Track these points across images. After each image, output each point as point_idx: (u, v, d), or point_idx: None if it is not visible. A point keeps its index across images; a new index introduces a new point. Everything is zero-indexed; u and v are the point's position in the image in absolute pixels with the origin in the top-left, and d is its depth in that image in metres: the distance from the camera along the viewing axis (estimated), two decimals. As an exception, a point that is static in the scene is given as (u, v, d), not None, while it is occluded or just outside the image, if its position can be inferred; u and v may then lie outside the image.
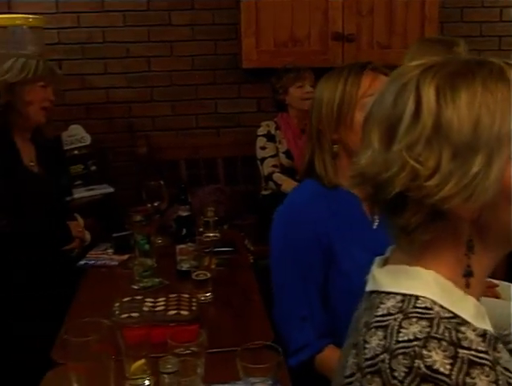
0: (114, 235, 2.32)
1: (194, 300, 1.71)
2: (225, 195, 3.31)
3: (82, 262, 2.28)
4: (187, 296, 1.74)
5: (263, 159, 3.28)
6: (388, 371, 0.71)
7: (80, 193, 3.17)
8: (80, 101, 3.67)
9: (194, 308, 1.68)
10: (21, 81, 2.46)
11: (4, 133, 2.45)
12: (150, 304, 1.68)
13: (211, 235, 2.36)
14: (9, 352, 1.94)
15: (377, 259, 0.88)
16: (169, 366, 1.15)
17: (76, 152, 3.34)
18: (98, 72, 3.70)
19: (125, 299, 1.73)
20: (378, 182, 0.77)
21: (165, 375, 1.15)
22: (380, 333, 0.74)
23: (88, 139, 3.41)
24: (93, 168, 3.38)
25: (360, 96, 1.50)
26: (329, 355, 1.48)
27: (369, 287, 0.84)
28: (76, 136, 3.37)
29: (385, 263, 0.86)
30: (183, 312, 1.65)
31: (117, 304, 1.70)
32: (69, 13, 3.64)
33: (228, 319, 1.75)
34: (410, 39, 3.56)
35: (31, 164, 2.55)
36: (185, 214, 2.00)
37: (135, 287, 1.97)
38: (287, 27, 3.56)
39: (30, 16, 3.21)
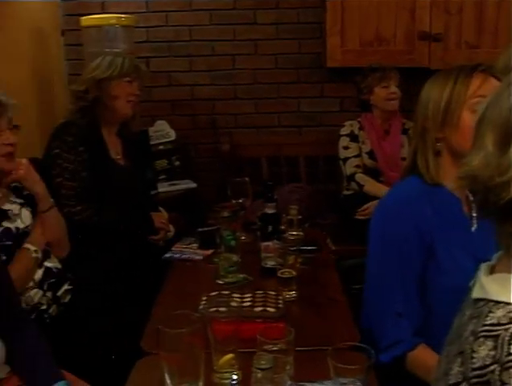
0: (199, 230, 2.37)
1: (280, 297, 1.73)
2: (306, 193, 3.32)
3: (168, 255, 2.33)
4: (273, 293, 1.75)
5: (346, 159, 3.25)
6: (498, 383, 0.69)
7: (164, 187, 3.25)
8: (166, 98, 3.77)
9: (280, 305, 1.69)
10: (108, 77, 2.56)
11: (92, 127, 2.56)
12: (238, 299, 1.71)
13: (294, 233, 2.37)
14: (99, 342, 2.01)
15: (484, 265, 0.86)
16: (263, 362, 1.17)
17: (161, 147, 3.43)
18: (184, 70, 3.79)
19: (213, 293, 1.76)
20: (491, 186, 0.75)
21: (258, 371, 1.16)
22: (489, 343, 0.72)
23: (172, 135, 3.49)
24: (177, 163, 3.46)
25: (468, 96, 1.50)
26: (421, 354, 1.49)
27: (475, 294, 0.83)
28: (162, 131, 3.46)
29: (492, 270, 0.84)
30: (269, 309, 1.66)
31: (205, 298, 1.74)
32: (158, 12, 3.74)
33: (312, 318, 1.75)
34: (500, 39, 3.45)
35: (118, 157, 2.64)
36: (271, 211, 2.02)
37: (220, 282, 2.00)
38: (373, 26, 3.52)
39: (123, 16, 3.32)
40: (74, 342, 1.98)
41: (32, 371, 1.62)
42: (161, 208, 2.79)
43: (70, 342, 1.98)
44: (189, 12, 3.74)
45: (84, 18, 3.33)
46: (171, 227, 2.73)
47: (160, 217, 2.67)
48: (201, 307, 1.68)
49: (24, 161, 2.04)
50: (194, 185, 3.35)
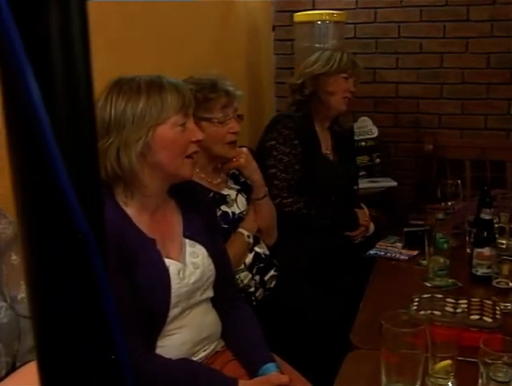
0: (405, 229, 2.33)
1: (498, 308, 1.65)
2: (512, 200, 3.11)
3: (372, 252, 2.33)
4: (490, 302, 1.67)
5: None
6: None
7: (364, 184, 3.24)
8: (370, 94, 3.75)
9: (498, 316, 1.61)
10: (325, 72, 2.60)
11: (307, 121, 2.62)
12: (451, 304, 1.66)
13: (504, 241, 2.25)
14: (310, 335, 2.05)
15: None
16: (499, 374, 1.12)
17: (363, 143, 3.42)
18: (389, 67, 3.74)
19: (425, 295, 1.72)
20: None
21: (496, 383, 1.11)
22: None
23: (375, 132, 3.46)
24: (377, 161, 3.43)
25: None
26: None
27: None
28: (365, 128, 3.45)
29: None
30: (486, 318, 1.59)
31: (417, 299, 1.70)
32: (367, 8, 3.73)
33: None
34: None
35: (327, 152, 2.69)
36: (488, 217, 1.92)
37: (428, 284, 1.95)
38: None
39: (335, 12, 3.36)
40: (277, 327, 2.06)
41: (245, 348, 1.71)
42: (362, 205, 2.79)
43: (273, 326, 2.05)
44: (399, 9, 3.68)
45: (297, 14, 3.43)
46: (371, 225, 2.72)
47: (364, 214, 2.67)
48: (414, 308, 1.65)
49: (245, 149, 2.14)
50: (394, 184, 3.30)
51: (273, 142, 2.52)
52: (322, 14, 3.34)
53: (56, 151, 0.28)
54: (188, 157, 1.55)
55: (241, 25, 3.28)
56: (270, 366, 1.64)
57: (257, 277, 2.14)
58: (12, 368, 1.08)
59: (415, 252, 2.23)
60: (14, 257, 1.16)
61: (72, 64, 0.30)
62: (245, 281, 2.10)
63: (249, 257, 2.13)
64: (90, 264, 0.30)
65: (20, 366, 1.08)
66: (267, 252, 2.22)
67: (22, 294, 1.13)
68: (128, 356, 0.33)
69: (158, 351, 1.54)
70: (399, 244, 2.33)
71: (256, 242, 2.18)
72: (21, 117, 0.29)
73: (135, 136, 1.44)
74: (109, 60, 1.71)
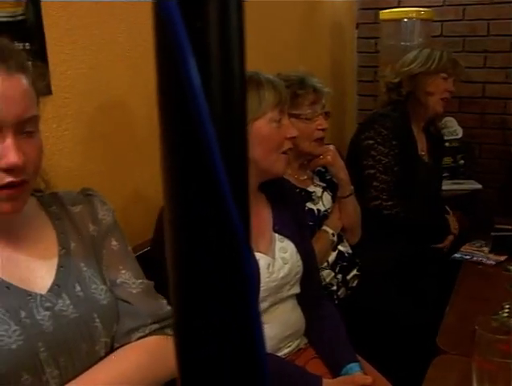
0: (493, 234, 2.27)
1: None
2: None
3: (457, 255, 2.28)
4: None
5: None
6: None
7: (447, 185, 3.17)
8: (455, 94, 3.64)
9: None
10: (424, 72, 2.52)
11: (404, 121, 2.56)
12: (546, 313, 1.60)
13: None
14: (392, 337, 2.03)
15: None
16: None
17: (447, 144, 3.34)
18: (477, 66, 3.64)
19: (517, 303, 1.67)
20: None
21: None
22: None
23: (459, 132, 3.39)
24: (461, 162, 3.35)
25: None
26: None
27: None
28: (449, 128, 3.38)
29: None
30: None
31: (508, 305, 1.66)
32: (455, 6, 3.64)
33: None
34: None
35: (423, 154, 2.62)
36: None
37: (517, 291, 1.90)
38: None
39: (422, 9, 3.30)
40: (358, 327, 2.04)
41: (329, 346, 1.70)
42: (448, 208, 2.73)
43: (354, 325, 2.04)
44: (488, 5, 3.58)
45: (383, 11, 3.38)
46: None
47: (454, 222, 2.60)
48: (505, 315, 1.61)
49: (332, 147, 2.13)
50: (479, 186, 3.22)
51: (370, 142, 2.45)
52: (409, 11, 3.29)
53: (213, 134, 0.30)
54: (283, 153, 1.56)
55: (325, 23, 3.28)
56: (354, 365, 1.63)
57: (339, 276, 2.13)
58: (110, 349, 1.12)
59: (503, 258, 2.17)
60: (114, 243, 1.20)
61: (228, 56, 0.32)
62: (328, 280, 2.09)
63: (333, 256, 2.12)
64: (232, 228, 0.32)
65: (118, 347, 1.13)
66: (350, 251, 2.21)
67: (120, 279, 1.17)
68: (260, 325, 0.34)
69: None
70: (486, 249, 2.27)
71: (339, 240, 2.17)
72: (178, 101, 0.32)
73: None
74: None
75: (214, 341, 0.35)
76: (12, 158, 0.94)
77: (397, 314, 2.10)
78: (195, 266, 0.33)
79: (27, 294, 1.02)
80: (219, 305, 0.34)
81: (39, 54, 1.38)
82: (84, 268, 1.12)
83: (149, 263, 1.33)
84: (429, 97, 2.51)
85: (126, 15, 1.72)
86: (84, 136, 1.62)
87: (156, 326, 1.15)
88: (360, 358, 1.72)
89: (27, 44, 1.36)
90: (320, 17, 3.20)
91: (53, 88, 1.46)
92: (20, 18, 1.34)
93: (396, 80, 2.56)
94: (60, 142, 1.53)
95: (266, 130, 1.51)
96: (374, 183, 2.41)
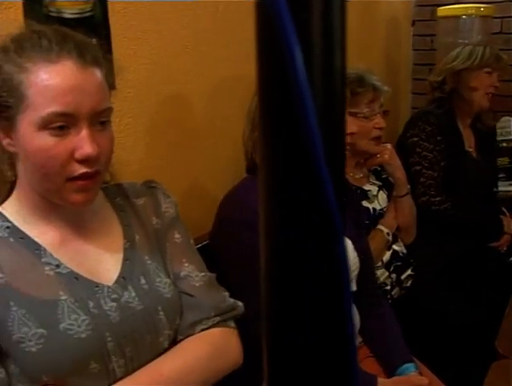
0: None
1: None
2: None
3: (516, 258, 2.24)
4: None
5: None
6: None
7: (504, 186, 3.10)
8: (512, 93, 3.57)
9: None
10: (467, 68, 2.51)
11: (449, 117, 2.54)
12: None
13: None
14: (448, 339, 2.01)
15: None
16: None
17: (504, 144, 3.26)
18: (537, 64, 3.54)
19: None
20: None
21: None
22: None
23: (517, 133, 3.30)
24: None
25: None
26: None
27: None
28: (507, 128, 3.29)
29: None
30: None
31: None
32: (515, 2, 3.55)
33: None
34: None
35: (470, 150, 2.59)
36: None
37: None
38: None
39: (482, 5, 3.22)
40: (412, 327, 2.02)
41: (384, 346, 1.69)
42: (504, 209, 2.67)
43: (408, 325, 2.01)
44: (551, 2, 3.48)
45: (440, 8, 3.32)
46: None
47: (510, 222, 2.55)
48: None
49: (389, 145, 2.12)
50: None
51: (415, 139, 2.46)
52: (468, 7, 3.22)
53: (315, 123, 0.31)
54: None
55: (380, 19, 3.25)
56: (410, 366, 1.61)
57: (393, 276, 2.11)
58: (173, 341, 1.14)
59: None
60: (177, 236, 1.21)
61: (330, 48, 0.33)
62: (382, 279, 2.07)
63: (387, 255, 2.10)
64: (330, 213, 0.33)
65: (181, 340, 1.14)
66: (405, 251, 2.19)
67: (184, 272, 1.18)
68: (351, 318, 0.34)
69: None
70: (546, 252, 2.22)
71: (394, 240, 2.15)
72: (282, 90, 0.33)
73: None
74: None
75: (308, 327, 0.35)
76: (87, 148, 0.96)
77: (452, 315, 2.08)
78: (294, 251, 0.34)
79: (95, 285, 1.05)
80: (317, 290, 0.34)
81: (105, 49, 1.41)
82: (149, 261, 1.14)
83: (208, 256, 1.34)
84: (473, 93, 2.49)
85: (188, 11, 1.74)
86: (144, 130, 1.65)
87: (218, 318, 1.16)
88: (414, 358, 1.70)
89: (94, 40, 1.39)
90: (376, 13, 3.16)
91: (117, 82, 1.49)
92: (88, 14, 1.37)
93: (439, 79, 2.54)
94: (122, 136, 1.56)
95: None
96: (421, 179, 2.40)
